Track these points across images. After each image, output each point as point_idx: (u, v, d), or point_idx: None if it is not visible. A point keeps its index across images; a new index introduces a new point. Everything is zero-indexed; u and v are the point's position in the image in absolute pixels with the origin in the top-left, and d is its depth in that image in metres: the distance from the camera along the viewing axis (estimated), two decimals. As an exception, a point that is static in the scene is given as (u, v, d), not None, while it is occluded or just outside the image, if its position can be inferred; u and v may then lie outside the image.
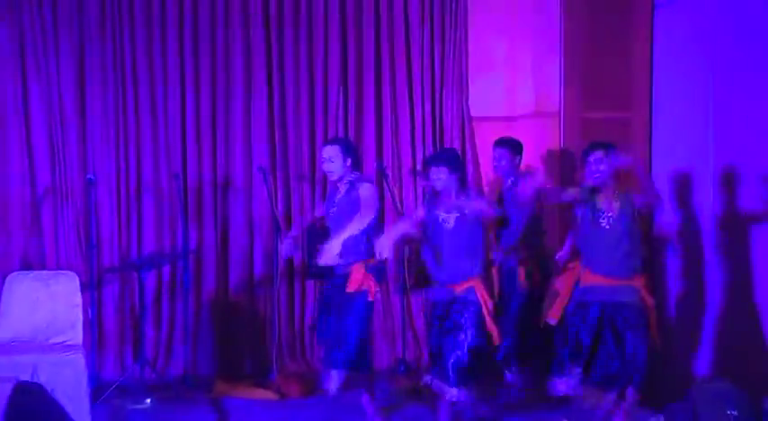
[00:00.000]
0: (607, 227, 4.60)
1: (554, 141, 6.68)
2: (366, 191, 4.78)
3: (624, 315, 4.48)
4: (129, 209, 6.50)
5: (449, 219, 4.58)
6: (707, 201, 5.65)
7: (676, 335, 5.75)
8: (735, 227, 5.46)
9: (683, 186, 5.93)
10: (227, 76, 6.46)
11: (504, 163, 5.77)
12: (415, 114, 6.66)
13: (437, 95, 6.77)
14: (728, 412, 3.95)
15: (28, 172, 6.30)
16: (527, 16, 6.96)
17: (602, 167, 4.65)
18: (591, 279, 4.62)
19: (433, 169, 4.74)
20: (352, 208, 4.71)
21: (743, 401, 3.98)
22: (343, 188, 4.84)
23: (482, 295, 4.48)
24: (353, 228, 4.65)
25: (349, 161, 4.90)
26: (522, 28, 7.00)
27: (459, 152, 6.44)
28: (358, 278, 4.76)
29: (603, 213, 4.64)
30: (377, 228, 4.93)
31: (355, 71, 6.64)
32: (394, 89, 6.65)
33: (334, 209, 4.86)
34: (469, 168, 6.64)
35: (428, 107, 6.69)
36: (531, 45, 6.92)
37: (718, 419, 3.89)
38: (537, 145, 6.60)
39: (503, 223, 5.39)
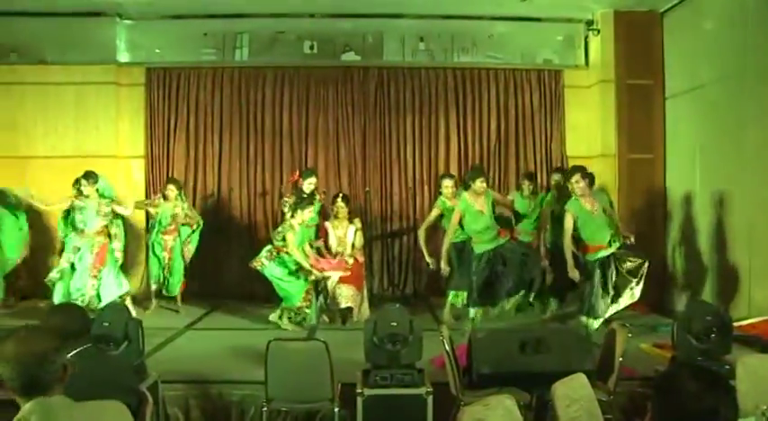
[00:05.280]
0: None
1: (612, 171, 9.02)
2: None
3: None
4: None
5: None
6: (693, 201, 8.30)
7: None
8: (707, 214, 8.01)
9: (683, 195, 8.48)
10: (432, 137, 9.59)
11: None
12: (536, 156, 9.65)
13: (549, 145, 9.70)
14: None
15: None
16: (597, 104, 9.39)
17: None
18: None
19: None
20: None
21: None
22: None
23: None
24: None
25: None
26: (594, 110, 9.43)
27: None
28: None
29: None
30: None
31: (504, 133, 9.69)
32: (525, 142, 9.67)
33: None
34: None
35: (545, 152, 9.65)
36: (599, 118, 9.32)
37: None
38: (603, 173, 8.75)
39: None
